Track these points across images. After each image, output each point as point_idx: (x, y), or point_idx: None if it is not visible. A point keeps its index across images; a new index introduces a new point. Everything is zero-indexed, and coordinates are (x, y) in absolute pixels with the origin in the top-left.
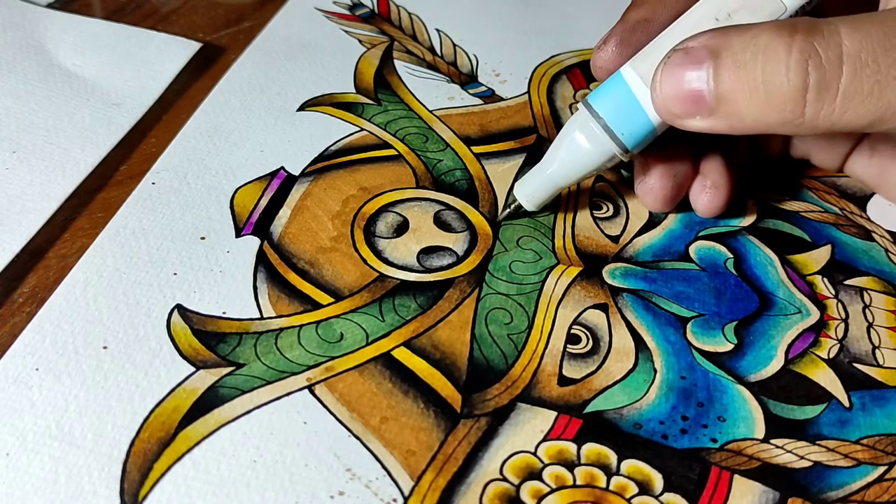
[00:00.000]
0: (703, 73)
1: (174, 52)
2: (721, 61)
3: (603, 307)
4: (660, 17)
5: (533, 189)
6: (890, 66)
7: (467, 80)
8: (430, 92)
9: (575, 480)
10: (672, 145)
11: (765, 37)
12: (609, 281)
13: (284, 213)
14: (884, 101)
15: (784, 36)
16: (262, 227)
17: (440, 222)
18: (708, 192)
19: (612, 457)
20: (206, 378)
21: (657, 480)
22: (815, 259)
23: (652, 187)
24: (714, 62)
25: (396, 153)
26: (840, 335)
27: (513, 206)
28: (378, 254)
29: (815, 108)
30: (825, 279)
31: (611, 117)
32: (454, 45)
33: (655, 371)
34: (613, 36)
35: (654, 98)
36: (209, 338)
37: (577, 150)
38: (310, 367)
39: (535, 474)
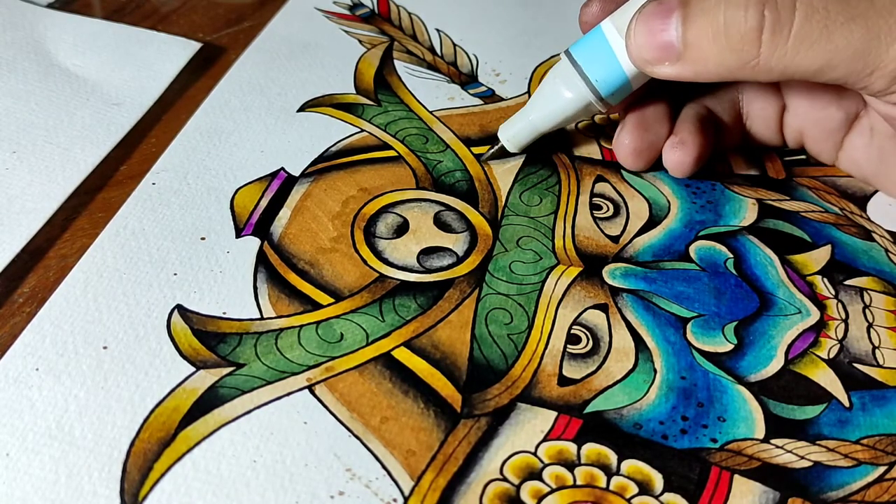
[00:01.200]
0: (672, 20)
1: (174, 52)
2: (689, 9)
3: (603, 307)
4: None
5: (515, 132)
6: (839, 13)
7: (467, 80)
8: (430, 92)
9: (575, 480)
10: (652, 107)
11: None
12: (609, 281)
13: (284, 214)
14: (831, 45)
15: None
16: (262, 228)
17: (440, 223)
18: (676, 149)
19: (612, 457)
20: (207, 378)
21: (657, 480)
22: (815, 259)
23: (623, 141)
24: (682, 10)
25: (396, 154)
26: (840, 335)
27: (496, 148)
28: (378, 254)
29: (769, 48)
30: (825, 279)
31: (587, 65)
32: (454, 45)
33: (655, 371)
34: None
35: (629, 46)
36: (209, 338)
37: (556, 96)
38: (310, 368)
39: (535, 474)
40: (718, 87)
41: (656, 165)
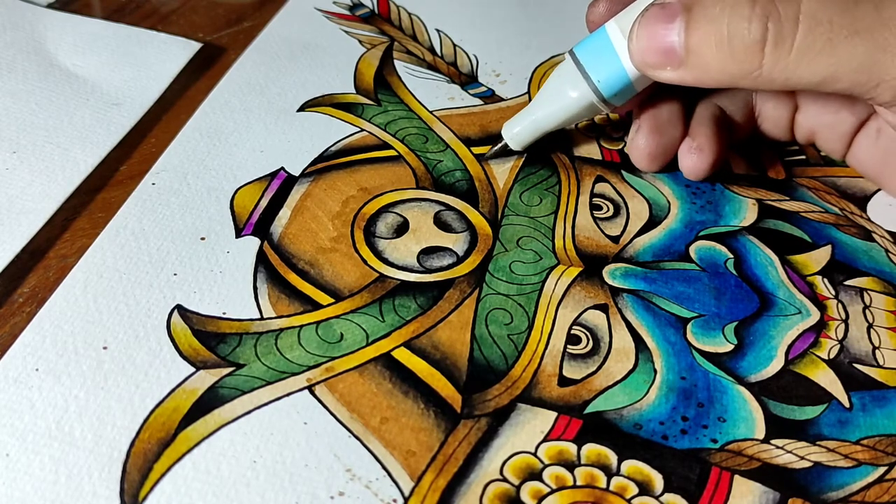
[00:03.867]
0: (675, 25)
1: (174, 52)
2: (692, 15)
3: (603, 307)
4: None
5: (518, 130)
6: (843, 26)
7: (467, 80)
8: (430, 92)
9: (575, 481)
10: (666, 108)
11: None
12: (609, 281)
13: (284, 214)
14: (834, 58)
15: None
16: (262, 228)
17: (440, 223)
18: (693, 154)
19: (612, 457)
20: (206, 378)
21: (657, 481)
22: (816, 259)
23: (638, 145)
24: (686, 16)
25: (396, 154)
26: (840, 336)
27: (499, 146)
28: (378, 254)
29: (771, 60)
30: (825, 279)
31: (590, 66)
32: (454, 45)
33: (655, 371)
34: None
35: (631, 49)
36: (209, 338)
37: (560, 96)
38: (310, 368)
39: (535, 475)
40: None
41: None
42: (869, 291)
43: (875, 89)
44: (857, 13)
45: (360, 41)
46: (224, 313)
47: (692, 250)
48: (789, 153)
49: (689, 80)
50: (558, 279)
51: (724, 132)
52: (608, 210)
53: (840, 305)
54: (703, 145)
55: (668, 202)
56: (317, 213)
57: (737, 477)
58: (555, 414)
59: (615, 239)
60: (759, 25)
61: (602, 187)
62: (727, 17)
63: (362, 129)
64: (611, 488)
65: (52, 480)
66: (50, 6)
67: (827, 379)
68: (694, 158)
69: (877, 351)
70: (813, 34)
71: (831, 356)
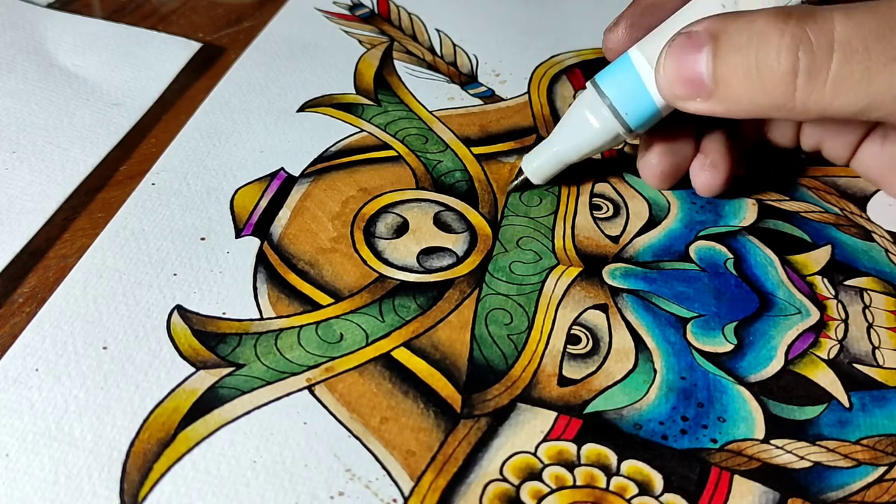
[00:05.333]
0: (702, 56)
1: (174, 52)
2: (719, 45)
3: (603, 307)
4: (669, 2)
5: (539, 163)
6: (880, 53)
7: (467, 80)
8: (429, 92)
9: (575, 481)
10: (676, 125)
11: (760, 22)
12: (609, 281)
13: (284, 214)
14: (874, 87)
15: (779, 22)
16: (261, 228)
17: (440, 223)
18: (707, 171)
19: (612, 457)
20: (206, 379)
21: (657, 481)
22: (815, 259)
23: (651, 164)
24: (713, 45)
25: (396, 154)
26: (840, 336)
27: (520, 180)
28: (378, 254)
29: (805, 92)
30: (825, 279)
31: (616, 97)
32: (454, 45)
33: (655, 371)
34: (624, 18)
35: (658, 80)
36: (209, 338)
37: (583, 127)
38: (310, 368)
39: (535, 475)
40: None
41: None
42: (869, 291)
43: None
44: (893, 40)
45: (360, 41)
46: (224, 313)
47: (692, 250)
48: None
49: (720, 111)
50: (558, 279)
51: (735, 146)
52: (608, 210)
53: (840, 305)
54: (716, 161)
55: (668, 202)
56: (317, 213)
57: (737, 477)
58: (555, 414)
59: (615, 239)
60: (790, 55)
61: (602, 187)
62: (755, 46)
63: (362, 130)
64: (611, 488)
65: (51, 480)
66: (50, 6)
67: (827, 379)
68: (707, 176)
69: (877, 351)
70: (850, 63)
71: (831, 356)
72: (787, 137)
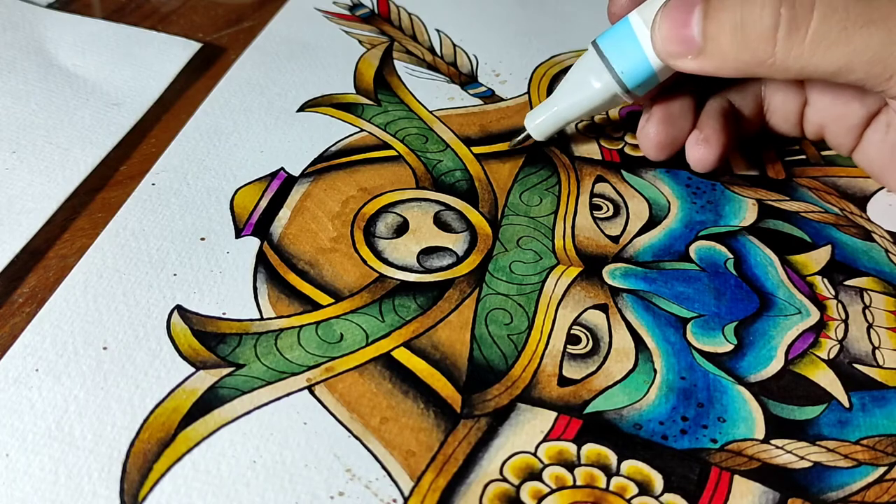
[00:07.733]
0: (694, 14)
1: (174, 52)
2: (710, 4)
3: (603, 307)
4: None
5: (541, 121)
6: (859, 15)
7: (467, 80)
8: (430, 92)
9: (575, 481)
10: (678, 98)
11: None
12: (609, 281)
13: (284, 214)
14: (850, 47)
15: None
16: (261, 228)
17: (440, 223)
18: (701, 146)
19: (612, 457)
20: (206, 379)
21: (657, 481)
22: (815, 259)
23: (649, 134)
24: (704, 5)
25: (396, 154)
26: (840, 336)
27: (522, 136)
28: (378, 254)
29: (785, 48)
30: (825, 280)
31: (613, 57)
32: (454, 45)
33: (655, 371)
34: None
35: (653, 38)
36: (209, 338)
37: (582, 86)
38: (310, 368)
39: (535, 475)
40: (743, 80)
41: (658, 163)
42: (869, 291)
43: (888, 81)
44: (872, 2)
45: (360, 41)
46: (224, 313)
47: (692, 250)
48: (789, 153)
49: (709, 68)
50: (558, 279)
51: (731, 126)
52: (608, 210)
53: (840, 305)
54: (709, 137)
55: (668, 202)
56: (317, 213)
57: (737, 477)
58: (555, 414)
59: (615, 239)
60: (772, 12)
61: (602, 187)
62: (741, 4)
63: (362, 130)
64: (610, 488)
65: (52, 481)
66: (50, 6)
67: (827, 379)
68: (701, 150)
69: (877, 351)
70: (828, 22)
71: (831, 356)
72: (789, 123)
